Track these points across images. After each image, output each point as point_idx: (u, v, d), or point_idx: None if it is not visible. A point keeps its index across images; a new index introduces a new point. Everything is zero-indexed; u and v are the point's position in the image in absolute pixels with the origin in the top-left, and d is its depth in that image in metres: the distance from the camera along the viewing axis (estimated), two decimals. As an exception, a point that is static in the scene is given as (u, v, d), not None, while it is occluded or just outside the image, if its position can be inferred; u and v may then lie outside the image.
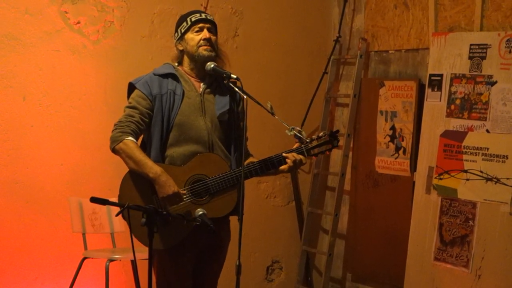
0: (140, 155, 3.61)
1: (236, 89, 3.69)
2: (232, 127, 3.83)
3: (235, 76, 3.64)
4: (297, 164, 3.72)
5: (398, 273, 5.08)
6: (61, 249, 5.02)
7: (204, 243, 3.75)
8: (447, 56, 4.84)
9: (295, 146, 3.77)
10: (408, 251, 4.97)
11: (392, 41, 5.46)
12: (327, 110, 5.92)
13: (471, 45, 4.71)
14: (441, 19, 5.05)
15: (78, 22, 5.01)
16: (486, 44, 4.62)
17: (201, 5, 5.39)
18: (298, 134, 3.70)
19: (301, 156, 3.72)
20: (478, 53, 4.67)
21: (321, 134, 3.78)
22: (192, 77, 3.79)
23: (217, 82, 3.82)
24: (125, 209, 3.22)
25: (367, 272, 5.60)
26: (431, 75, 4.94)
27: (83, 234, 4.94)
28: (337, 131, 3.83)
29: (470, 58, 4.71)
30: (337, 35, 5.88)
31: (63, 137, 5.00)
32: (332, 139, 3.77)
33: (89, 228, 4.97)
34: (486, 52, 4.62)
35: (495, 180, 4.52)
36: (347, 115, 5.68)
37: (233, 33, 5.59)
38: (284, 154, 3.72)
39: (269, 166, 3.71)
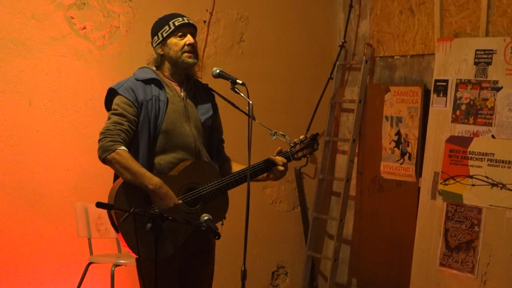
0: (136, 165, 3.49)
1: (242, 95, 3.66)
2: (213, 132, 3.81)
3: (241, 82, 3.62)
4: (283, 171, 3.71)
5: (403, 279, 5.07)
6: (66, 254, 5.02)
7: (192, 249, 3.69)
8: (453, 62, 4.84)
9: (277, 151, 3.75)
10: (414, 257, 4.96)
11: (397, 47, 5.46)
12: (332, 115, 5.92)
13: (476, 50, 4.70)
14: (447, 25, 5.05)
15: (84, 28, 5.02)
16: (492, 50, 4.62)
17: (207, 10, 5.40)
18: (282, 139, 3.69)
19: (284, 162, 3.70)
20: (483, 59, 4.67)
21: (302, 137, 3.77)
22: (173, 82, 3.72)
23: (195, 86, 3.79)
24: (131, 214, 3.22)
25: (372, 277, 5.60)
26: (436, 81, 4.94)
27: (89, 239, 4.95)
28: (317, 134, 3.81)
29: (476, 63, 4.71)
30: (343, 40, 5.88)
31: (68, 142, 5.01)
32: (312, 142, 3.76)
33: (94, 233, 4.98)
34: (491, 58, 4.62)
35: (501, 185, 4.51)
36: (352, 121, 5.68)
37: (238, 39, 5.60)
38: (271, 158, 3.70)
39: (258, 172, 3.69)
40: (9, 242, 4.86)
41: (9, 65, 4.81)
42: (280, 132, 3.68)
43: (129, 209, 3.22)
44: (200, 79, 3.84)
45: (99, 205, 3.17)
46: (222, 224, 3.72)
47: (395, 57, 5.50)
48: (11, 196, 4.85)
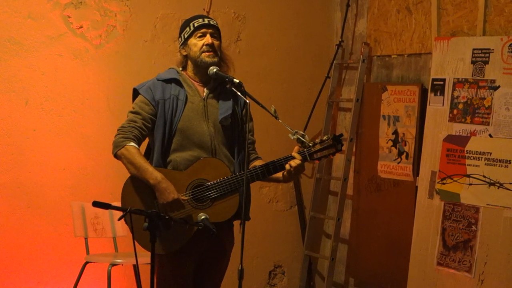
0: (141, 160, 3.61)
1: (239, 93, 3.68)
2: (235, 131, 3.83)
3: (237, 81, 3.64)
4: (298, 170, 3.66)
5: (401, 278, 5.07)
6: (63, 253, 5.02)
7: (205, 248, 3.74)
8: (450, 61, 4.84)
9: (295, 150, 3.72)
10: (411, 256, 4.96)
11: (394, 46, 5.46)
12: (329, 114, 5.91)
13: (473, 49, 4.70)
14: (444, 24, 5.05)
15: (81, 27, 5.02)
16: (489, 49, 4.62)
17: (204, 9, 5.39)
18: (301, 138, 3.68)
19: (299, 162, 3.65)
20: (480, 58, 4.66)
21: (324, 138, 3.72)
22: (196, 81, 3.79)
23: (221, 86, 3.81)
24: (127, 214, 3.23)
25: (369, 276, 5.59)
26: (433, 80, 4.94)
27: (85, 239, 4.94)
28: (341, 134, 3.79)
29: (473, 62, 4.70)
30: (340, 39, 5.88)
31: (65, 142, 5.01)
32: (335, 142, 3.70)
33: (91, 232, 4.97)
34: (488, 57, 4.62)
35: (498, 184, 4.51)
36: (349, 120, 5.68)
37: (235, 38, 5.59)
38: (292, 160, 3.67)
39: (271, 170, 3.68)
40: (5, 242, 4.85)
41: (6, 64, 4.81)
42: (301, 132, 3.68)
43: (125, 208, 3.23)
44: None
45: (96, 204, 3.18)
46: (241, 223, 3.71)
47: (392, 56, 5.50)
48: (8, 196, 4.84)
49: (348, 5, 5.82)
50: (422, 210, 4.92)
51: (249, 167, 3.79)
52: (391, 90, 5.38)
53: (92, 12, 5.05)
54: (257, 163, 3.84)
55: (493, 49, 4.59)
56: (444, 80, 4.86)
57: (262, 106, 3.68)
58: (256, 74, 5.67)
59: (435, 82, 4.92)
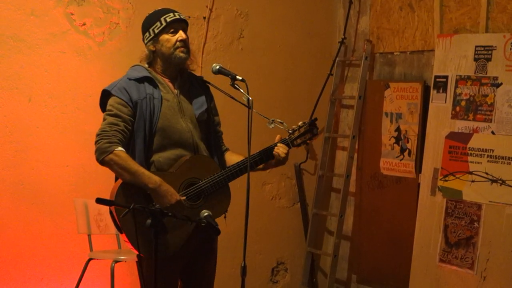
0: (135, 165, 3.50)
1: (242, 91, 3.66)
2: (210, 125, 3.80)
3: (240, 78, 3.61)
4: (284, 158, 3.70)
5: (403, 275, 5.08)
6: (66, 250, 5.03)
7: (195, 245, 3.69)
8: (452, 58, 4.84)
9: (277, 139, 3.75)
10: (413, 253, 4.97)
11: (397, 43, 5.46)
12: (332, 111, 5.92)
13: (476, 46, 4.70)
14: (446, 21, 5.05)
15: (84, 24, 5.02)
16: (492, 46, 4.62)
17: (207, 6, 5.40)
18: (280, 126, 3.68)
19: (285, 151, 3.69)
20: (483, 55, 4.67)
21: (300, 123, 3.76)
22: (166, 78, 3.71)
23: (190, 81, 3.78)
24: (130, 210, 3.22)
25: (372, 273, 5.60)
26: (436, 77, 4.94)
27: (89, 235, 4.95)
28: (315, 119, 3.80)
29: (476, 59, 4.71)
30: (342, 37, 5.88)
31: (68, 139, 5.01)
32: (312, 127, 3.75)
33: (94, 229, 4.98)
34: (491, 54, 4.62)
35: (500, 182, 4.51)
36: (352, 117, 5.68)
37: (238, 35, 5.60)
38: (270, 146, 3.70)
39: (258, 161, 3.69)
40: (9, 238, 4.86)
41: (9, 61, 4.81)
42: (278, 120, 3.67)
43: (128, 205, 3.22)
44: (193, 72, 3.84)
45: (99, 201, 3.17)
46: (225, 217, 3.73)
47: (395, 53, 5.50)
48: (11, 192, 4.85)
49: (350, 2, 5.82)
50: (425, 207, 4.93)
51: (224, 159, 3.82)
52: (393, 87, 5.39)
53: (95, 10, 5.06)
54: (228, 154, 3.85)
55: (495, 46, 4.59)
56: (446, 77, 4.87)
57: (233, 98, 3.64)
58: (259, 71, 5.68)
59: (437, 79, 4.92)
